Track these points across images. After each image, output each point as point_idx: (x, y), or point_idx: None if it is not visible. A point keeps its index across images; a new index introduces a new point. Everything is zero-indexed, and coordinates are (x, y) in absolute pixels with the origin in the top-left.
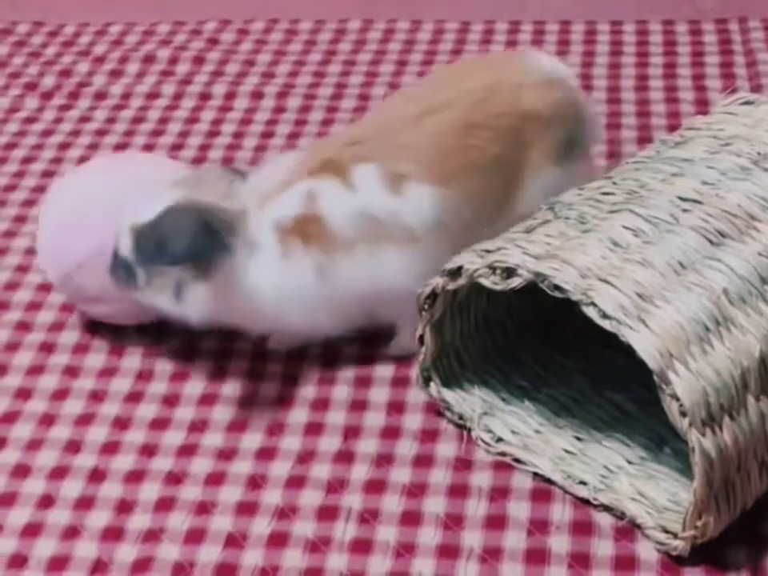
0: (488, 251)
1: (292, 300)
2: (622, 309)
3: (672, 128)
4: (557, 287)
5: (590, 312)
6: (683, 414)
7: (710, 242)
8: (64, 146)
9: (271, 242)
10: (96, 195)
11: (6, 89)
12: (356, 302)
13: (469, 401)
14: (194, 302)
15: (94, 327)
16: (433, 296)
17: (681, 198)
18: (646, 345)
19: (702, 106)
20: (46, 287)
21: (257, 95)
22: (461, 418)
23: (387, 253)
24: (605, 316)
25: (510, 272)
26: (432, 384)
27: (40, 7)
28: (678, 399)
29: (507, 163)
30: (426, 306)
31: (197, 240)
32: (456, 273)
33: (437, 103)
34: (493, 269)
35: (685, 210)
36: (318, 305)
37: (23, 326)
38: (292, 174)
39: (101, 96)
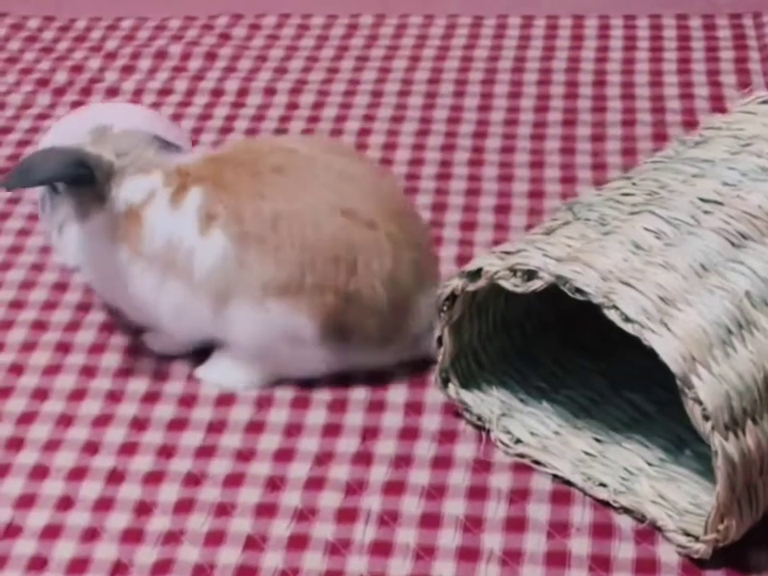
0: (508, 253)
1: (109, 285)
2: (644, 312)
3: (687, 124)
4: (578, 290)
5: (612, 315)
6: (706, 418)
7: (732, 243)
8: None
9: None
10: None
11: (18, 85)
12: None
13: (487, 402)
14: (68, 243)
15: (110, 327)
16: (452, 297)
17: (702, 200)
18: (668, 349)
19: (717, 101)
20: (61, 286)
21: (269, 91)
22: (479, 419)
23: (168, 282)
24: (627, 319)
25: (530, 274)
26: (450, 385)
27: (50, 1)
28: (700, 403)
29: None
30: (444, 308)
31: (58, 167)
32: (476, 274)
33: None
34: (513, 271)
35: (706, 212)
36: (125, 298)
37: (39, 326)
38: (174, 164)
39: (113, 92)
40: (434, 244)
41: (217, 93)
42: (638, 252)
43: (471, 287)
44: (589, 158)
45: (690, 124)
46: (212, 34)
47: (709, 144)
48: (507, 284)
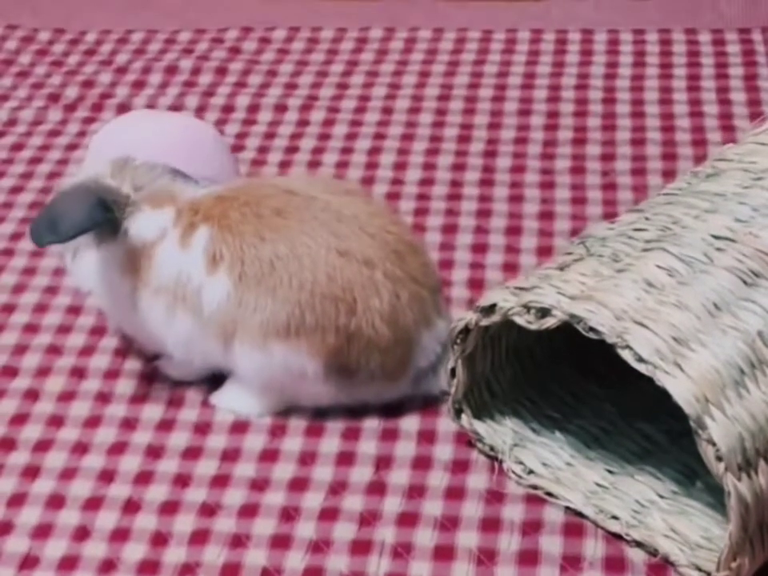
0: (522, 288)
1: (121, 312)
2: (657, 353)
3: (696, 143)
4: (592, 329)
5: (626, 355)
6: (719, 459)
7: (744, 282)
8: None
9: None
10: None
11: (29, 100)
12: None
13: (500, 432)
14: (82, 267)
15: (124, 352)
16: (465, 331)
17: (714, 236)
18: (682, 390)
19: (726, 119)
20: (75, 310)
21: (280, 108)
22: (492, 449)
23: (177, 316)
24: (640, 360)
25: (544, 312)
26: (463, 415)
27: (60, 13)
28: (714, 444)
29: None
30: (458, 341)
31: (85, 219)
32: (489, 310)
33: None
34: (527, 308)
35: (719, 249)
36: (136, 326)
37: (54, 350)
38: (188, 199)
39: (124, 108)
40: (442, 280)
41: (227, 109)
42: (651, 290)
43: (485, 322)
44: (599, 179)
45: (700, 143)
46: (222, 48)
47: (721, 177)
48: (521, 320)
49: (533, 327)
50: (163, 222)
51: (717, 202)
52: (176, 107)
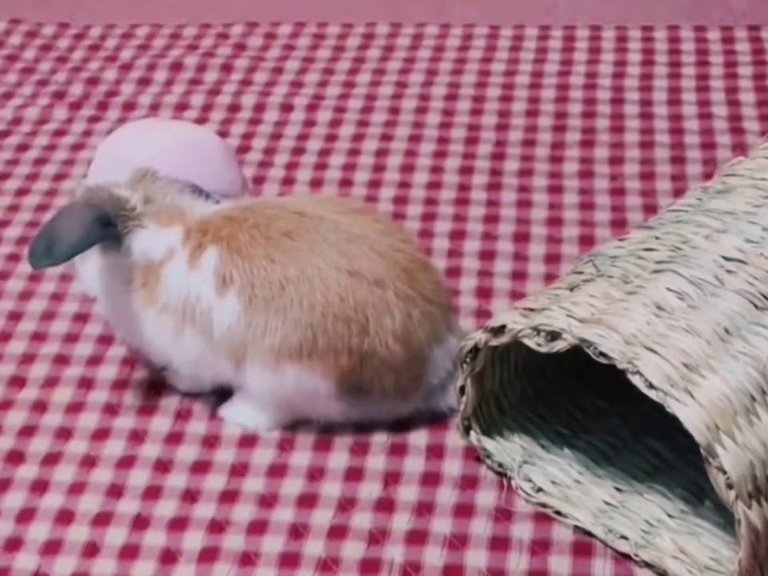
0: (532, 310)
1: (124, 324)
2: (668, 380)
3: (705, 146)
4: (602, 354)
5: (636, 381)
6: (730, 487)
7: (756, 306)
8: None
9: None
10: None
11: (34, 97)
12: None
13: (509, 449)
14: (89, 273)
15: (131, 361)
16: (475, 349)
17: (725, 258)
18: (693, 418)
19: (735, 121)
20: (82, 317)
21: (286, 107)
22: (500, 465)
23: (186, 336)
24: (651, 386)
25: (554, 335)
26: (472, 432)
27: (65, 5)
28: (724, 472)
29: None
30: (467, 359)
31: (83, 238)
32: (499, 330)
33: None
34: (537, 330)
35: (729, 272)
36: (140, 339)
37: (61, 360)
38: (197, 217)
39: (130, 107)
40: (451, 294)
41: (233, 108)
42: (661, 314)
43: (494, 342)
44: (607, 183)
45: (708, 146)
46: (227, 44)
47: (731, 194)
48: (530, 342)
49: (543, 350)
50: (171, 240)
51: (727, 221)
52: (182, 106)
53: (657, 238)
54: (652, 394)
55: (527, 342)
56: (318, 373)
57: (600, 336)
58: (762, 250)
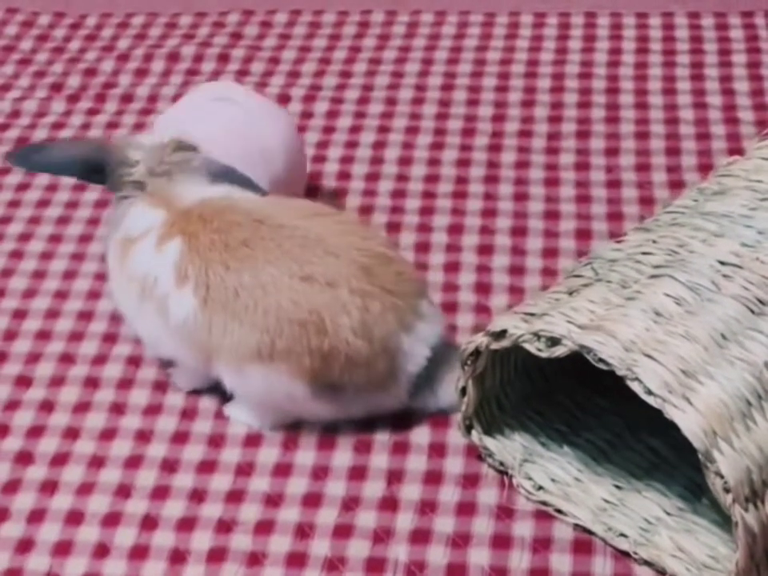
0: (532, 314)
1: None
2: (666, 386)
3: (699, 137)
4: (602, 360)
5: (635, 387)
6: (727, 491)
7: (752, 311)
8: None
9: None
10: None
11: (32, 89)
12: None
13: (509, 447)
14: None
15: (136, 360)
16: (476, 352)
17: (721, 263)
18: (691, 424)
19: (730, 111)
20: (86, 315)
21: (283, 98)
22: (501, 464)
23: (146, 309)
24: (649, 392)
25: (554, 341)
26: (474, 432)
27: None
28: (722, 477)
29: None
30: (468, 362)
31: (59, 163)
32: (500, 335)
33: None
34: (538, 336)
35: (725, 276)
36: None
37: (67, 359)
38: (186, 203)
39: (127, 98)
40: (422, 282)
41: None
42: (659, 320)
43: (495, 346)
44: (603, 175)
45: (703, 137)
46: (223, 33)
47: (727, 196)
48: (531, 347)
49: (543, 355)
50: (151, 222)
51: (723, 224)
52: (179, 97)
53: (654, 241)
54: (651, 400)
55: (528, 346)
56: (285, 374)
57: (599, 343)
58: (757, 254)
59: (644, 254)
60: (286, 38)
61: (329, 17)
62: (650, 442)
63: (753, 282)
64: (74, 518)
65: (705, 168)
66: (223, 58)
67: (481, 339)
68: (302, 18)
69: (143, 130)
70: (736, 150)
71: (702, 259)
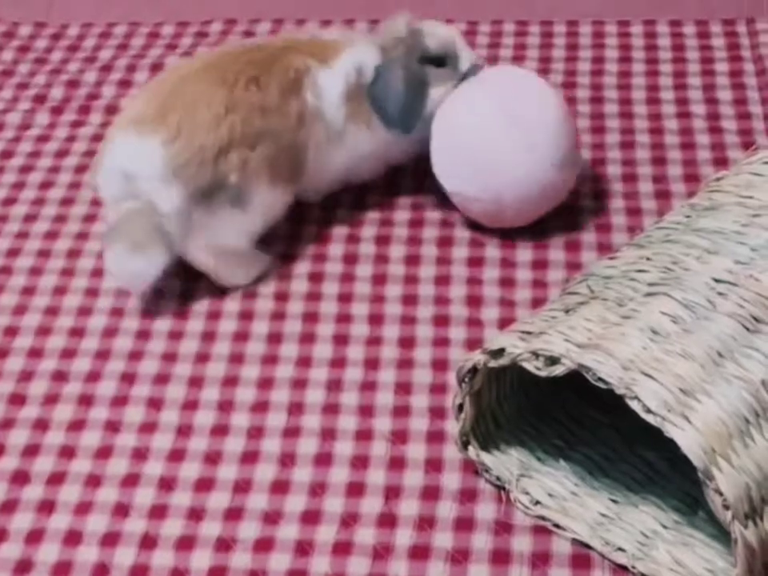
0: (529, 333)
1: None
2: (665, 404)
3: (685, 147)
4: (600, 379)
5: (634, 406)
6: (726, 508)
7: (747, 329)
8: (81, 169)
9: None
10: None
11: (15, 101)
12: None
13: (506, 463)
14: None
15: (130, 377)
16: (473, 370)
17: (715, 280)
18: (690, 443)
19: (714, 120)
20: (78, 332)
21: None
22: (498, 479)
23: None
24: (649, 411)
25: (553, 360)
26: (470, 447)
27: (41, 2)
28: (721, 494)
29: None
30: (466, 380)
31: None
32: (498, 353)
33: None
34: (536, 355)
35: (720, 294)
36: None
37: (59, 377)
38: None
39: (112, 110)
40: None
41: None
42: (656, 339)
43: (493, 364)
44: (589, 185)
45: (688, 146)
46: (207, 43)
47: (718, 212)
48: (529, 366)
49: (542, 374)
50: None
51: (716, 240)
52: None
53: (648, 258)
54: (650, 419)
55: (526, 365)
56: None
57: (598, 362)
58: (751, 271)
59: (639, 271)
60: None
61: (312, 26)
62: (646, 456)
63: (748, 300)
64: (73, 538)
65: (691, 178)
66: None
67: (478, 357)
68: (284, 27)
69: None
70: (721, 160)
71: (697, 277)
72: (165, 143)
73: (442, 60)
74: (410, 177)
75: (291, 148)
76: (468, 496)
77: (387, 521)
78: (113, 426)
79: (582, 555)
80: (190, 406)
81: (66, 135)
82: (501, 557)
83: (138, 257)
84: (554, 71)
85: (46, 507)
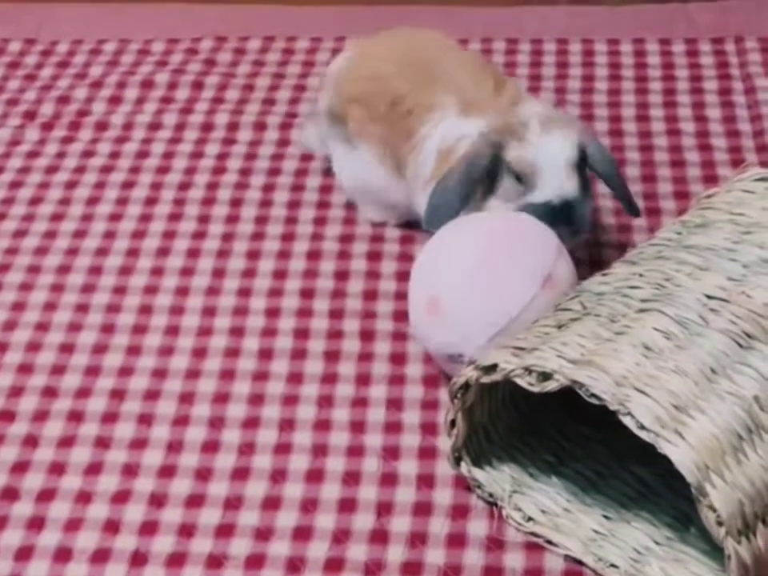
0: (522, 349)
1: None
2: (658, 421)
3: (674, 164)
4: (594, 395)
5: (628, 422)
6: (720, 524)
7: (740, 345)
8: (70, 185)
9: None
10: None
11: (5, 117)
12: None
13: (498, 479)
14: None
15: (121, 393)
16: (466, 386)
17: (708, 297)
18: (683, 459)
19: (703, 138)
20: (68, 348)
21: (260, 126)
22: (491, 495)
23: None
24: (642, 427)
25: (546, 376)
26: (463, 463)
27: (30, 21)
28: (715, 510)
29: None
30: (458, 395)
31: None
32: (490, 369)
33: None
34: (529, 371)
35: (713, 310)
36: None
37: (49, 393)
38: None
39: (102, 126)
40: None
41: (206, 127)
42: (649, 355)
43: (486, 380)
44: None
45: (678, 164)
46: (197, 60)
47: (710, 229)
48: (522, 382)
49: (535, 390)
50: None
51: (708, 257)
52: (154, 125)
53: (640, 275)
54: (643, 435)
55: (519, 381)
56: None
57: (591, 378)
58: (743, 288)
59: (631, 287)
60: (260, 65)
61: (302, 43)
62: (638, 472)
63: (740, 316)
64: (62, 554)
65: (681, 195)
66: (197, 85)
67: (471, 373)
68: (275, 45)
69: (119, 159)
70: (711, 177)
71: (689, 293)
72: None
73: (520, 177)
74: None
75: None
76: (460, 512)
77: (379, 537)
78: (103, 442)
79: (574, 572)
80: (181, 421)
81: (55, 151)
82: (493, 573)
83: None
84: (544, 89)
85: (36, 524)
